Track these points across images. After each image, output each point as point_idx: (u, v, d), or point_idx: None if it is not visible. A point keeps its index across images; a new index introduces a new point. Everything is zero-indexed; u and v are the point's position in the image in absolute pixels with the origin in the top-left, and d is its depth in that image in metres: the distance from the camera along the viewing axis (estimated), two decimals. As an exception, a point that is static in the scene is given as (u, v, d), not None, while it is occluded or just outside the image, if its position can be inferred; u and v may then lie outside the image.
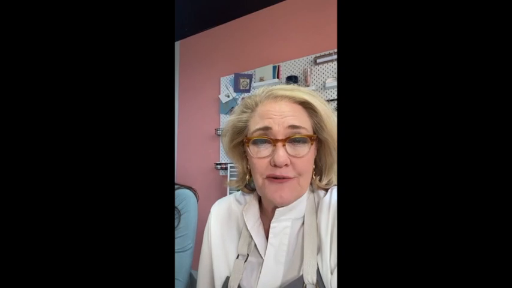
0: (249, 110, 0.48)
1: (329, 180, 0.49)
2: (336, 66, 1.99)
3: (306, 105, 0.45)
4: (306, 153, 0.44)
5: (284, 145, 0.43)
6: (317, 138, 0.46)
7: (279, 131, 0.43)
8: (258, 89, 0.49)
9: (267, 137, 0.44)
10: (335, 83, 1.93)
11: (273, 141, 0.43)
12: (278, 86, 0.48)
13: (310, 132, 0.45)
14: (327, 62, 2.01)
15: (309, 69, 2.05)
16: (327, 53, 2.01)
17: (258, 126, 0.45)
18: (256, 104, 0.47)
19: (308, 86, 2.02)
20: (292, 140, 0.43)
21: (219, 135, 2.43)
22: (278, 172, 0.43)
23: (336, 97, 1.96)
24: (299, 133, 0.43)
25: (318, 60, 2.02)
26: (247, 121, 0.48)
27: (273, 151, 0.43)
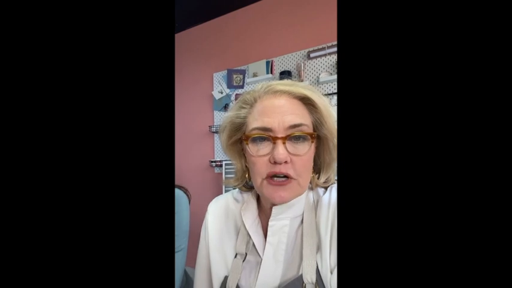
0: (248, 106, 0.47)
1: (327, 178, 0.48)
2: (329, 60, 1.99)
3: (306, 101, 0.45)
4: (307, 151, 0.43)
5: (284, 142, 0.42)
6: (317, 136, 0.45)
7: (279, 130, 0.42)
8: (257, 85, 0.48)
9: (266, 135, 0.43)
10: (329, 78, 1.93)
11: (273, 139, 0.42)
12: (277, 82, 0.46)
13: (310, 128, 0.44)
14: (320, 56, 2.00)
15: (302, 64, 2.05)
16: (320, 47, 2.00)
17: (257, 125, 0.43)
18: (255, 100, 0.46)
19: (302, 80, 2.01)
20: (292, 137, 0.42)
21: (213, 132, 2.41)
22: (278, 169, 0.42)
23: (330, 91, 1.96)
24: (300, 130, 0.42)
25: (312, 55, 2.02)
26: (245, 117, 0.46)
27: (273, 148, 0.42)
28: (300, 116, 0.43)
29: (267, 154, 0.42)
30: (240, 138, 0.48)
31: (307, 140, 0.43)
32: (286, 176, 0.42)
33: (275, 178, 0.42)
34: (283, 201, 0.43)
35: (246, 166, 0.50)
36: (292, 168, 0.42)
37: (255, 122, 0.44)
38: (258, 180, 0.44)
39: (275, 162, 0.41)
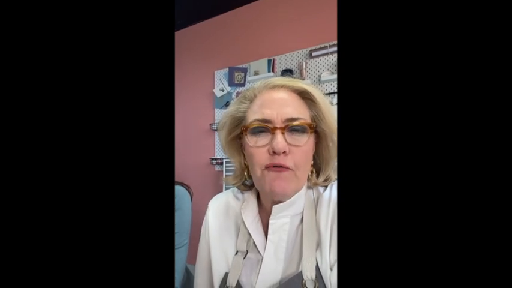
0: (248, 101, 0.48)
1: (326, 177, 0.49)
2: (331, 60, 1.98)
3: (305, 95, 0.45)
4: (305, 142, 0.43)
5: (283, 133, 0.42)
6: (315, 130, 0.46)
7: (278, 121, 0.42)
8: (257, 82, 0.49)
9: (265, 125, 0.43)
10: (330, 77, 1.93)
11: (272, 129, 0.42)
12: (277, 77, 0.47)
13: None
14: (322, 55, 2.00)
15: (304, 63, 2.04)
16: (322, 46, 2.00)
17: (256, 117, 0.44)
18: (255, 95, 0.47)
19: (303, 79, 2.01)
20: (291, 128, 0.43)
21: (214, 130, 2.41)
22: (276, 160, 0.42)
23: (331, 91, 1.96)
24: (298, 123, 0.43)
25: (313, 54, 2.01)
26: (245, 111, 0.47)
27: (272, 139, 0.42)
28: (298, 110, 0.44)
29: (266, 145, 0.43)
30: (239, 134, 0.49)
31: (306, 131, 0.43)
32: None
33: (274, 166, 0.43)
34: (282, 191, 0.43)
35: (245, 164, 0.50)
36: (291, 159, 0.42)
37: (254, 115, 0.44)
38: (257, 171, 0.44)
39: (274, 153, 0.41)
